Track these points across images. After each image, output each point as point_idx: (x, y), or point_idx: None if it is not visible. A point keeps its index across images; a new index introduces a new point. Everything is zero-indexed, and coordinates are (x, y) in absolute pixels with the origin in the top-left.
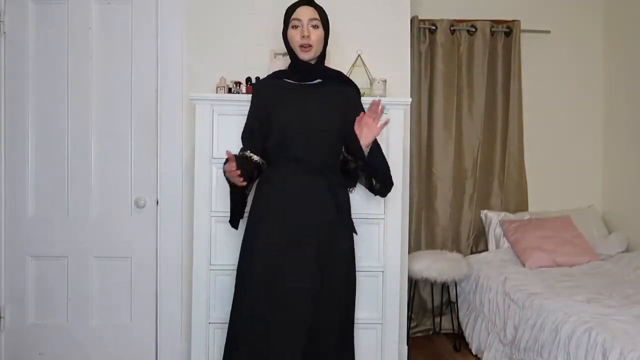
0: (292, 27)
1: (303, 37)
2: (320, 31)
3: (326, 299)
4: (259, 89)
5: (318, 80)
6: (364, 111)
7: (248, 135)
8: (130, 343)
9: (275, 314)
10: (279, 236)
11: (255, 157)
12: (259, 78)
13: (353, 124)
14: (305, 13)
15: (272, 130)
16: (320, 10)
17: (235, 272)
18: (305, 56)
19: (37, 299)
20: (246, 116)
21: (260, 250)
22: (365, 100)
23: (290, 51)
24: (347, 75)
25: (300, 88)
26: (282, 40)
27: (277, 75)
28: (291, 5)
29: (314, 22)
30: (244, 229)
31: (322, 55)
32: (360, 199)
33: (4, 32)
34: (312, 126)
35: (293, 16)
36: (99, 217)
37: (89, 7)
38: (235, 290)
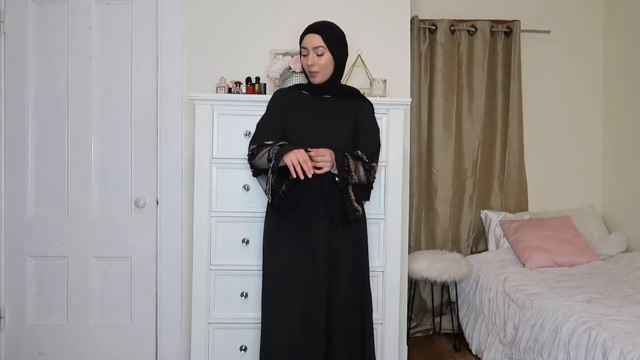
0: (303, 55)
1: (308, 65)
2: (326, 56)
3: (338, 296)
4: (278, 97)
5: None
6: (376, 126)
7: (268, 132)
8: (130, 343)
9: (297, 306)
10: (292, 243)
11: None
12: (259, 78)
13: (359, 130)
14: (309, 41)
15: (285, 137)
16: (326, 35)
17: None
18: (314, 81)
19: (37, 299)
20: (257, 124)
21: (277, 252)
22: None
23: (305, 73)
24: (347, 74)
25: (315, 100)
26: (279, 39)
27: (297, 87)
28: (302, 32)
29: (319, 50)
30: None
31: (337, 73)
32: None
33: (4, 32)
34: (321, 134)
35: (301, 44)
36: (99, 217)
37: (89, 7)
38: (263, 292)
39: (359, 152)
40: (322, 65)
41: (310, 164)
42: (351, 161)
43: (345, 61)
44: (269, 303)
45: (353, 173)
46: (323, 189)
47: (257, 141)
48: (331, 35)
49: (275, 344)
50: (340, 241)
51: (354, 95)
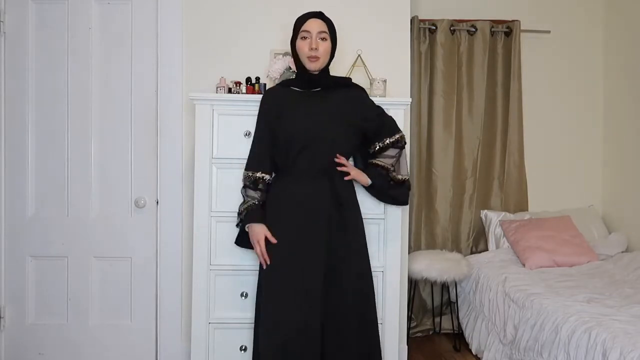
0: (301, 38)
1: (311, 49)
2: (327, 43)
3: (338, 298)
4: (267, 97)
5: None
6: (374, 105)
7: (257, 156)
8: (130, 343)
9: (295, 310)
10: (291, 239)
11: (267, 177)
12: (259, 78)
13: (367, 121)
14: (314, 26)
15: (280, 137)
16: (328, 23)
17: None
18: (312, 67)
19: (37, 299)
20: (254, 129)
21: (276, 251)
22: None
23: (297, 60)
24: (347, 74)
25: (307, 95)
26: (279, 39)
27: (284, 84)
28: (301, 17)
29: (323, 35)
30: None
31: (329, 65)
32: (360, 200)
33: (4, 32)
34: (317, 131)
35: (302, 28)
36: (99, 217)
37: (89, 7)
38: (260, 292)
39: (381, 164)
40: (323, 51)
41: (263, 257)
42: (382, 162)
43: (333, 56)
44: (266, 303)
45: (394, 174)
46: (323, 190)
47: (249, 167)
48: (332, 24)
49: (272, 344)
50: (340, 241)
51: (345, 85)
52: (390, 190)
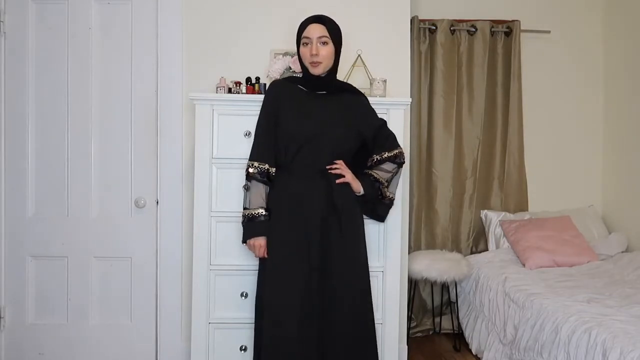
0: (303, 44)
1: (312, 54)
2: (329, 47)
3: (333, 298)
4: (272, 89)
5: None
6: (377, 116)
7: (264, 148)
8: (130, 343)
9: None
10: (291, 239)
11: (273, 170)
12: (259, 78)
13: (369, 128)
14: (314, 31)
15: (280, 133)
16: (330, 27)
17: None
18: (315, 71)
19: (37, 299)
20: (256, 123)
21: (274, 252)
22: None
23: (302, 65)
24: (347, 74)
25: (311, 96)
26: (279, 39)
27: (292, 80)
28: (303, 23)
29: (323, 40)
30: None
31: (335, 67)
32: None
33: (4, 32)
34: (317, 131)
35: (303, 34)
36: (99, 217)
37: (89, 7)
38: (259, 292)
39: (376, 175)
40: (324, 55)
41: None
42: (377, 174)
43: (339, 58)
44: (265, 303)
45: (385, 189)
46: (319, 191)
47: (256, 158)
48: (334, 27)
49: (270, 344)
50: (336, 243)
51: (350, 91)
52: (376, 204)
